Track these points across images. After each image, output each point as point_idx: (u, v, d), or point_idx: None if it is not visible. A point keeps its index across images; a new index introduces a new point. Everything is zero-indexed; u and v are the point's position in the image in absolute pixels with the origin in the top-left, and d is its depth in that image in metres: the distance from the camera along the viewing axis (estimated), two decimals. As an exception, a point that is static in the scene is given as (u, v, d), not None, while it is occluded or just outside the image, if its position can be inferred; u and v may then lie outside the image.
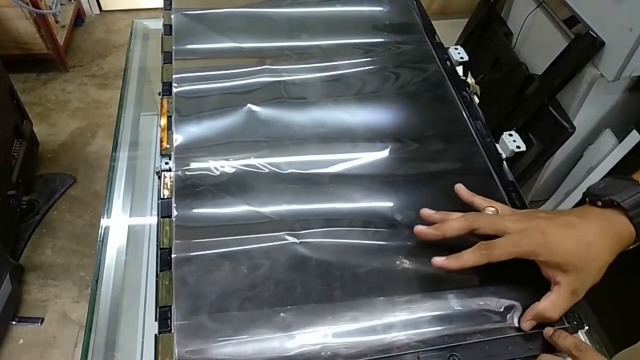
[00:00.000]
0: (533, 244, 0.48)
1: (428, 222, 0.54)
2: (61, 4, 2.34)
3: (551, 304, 0.48)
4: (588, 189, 0.51)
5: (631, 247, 0.49)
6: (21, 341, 1.49)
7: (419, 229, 0.53)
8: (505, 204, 0.61)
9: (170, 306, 0.48)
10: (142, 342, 0.69)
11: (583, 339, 0.53)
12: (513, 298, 0.52)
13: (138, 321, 0.72)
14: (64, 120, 2.12)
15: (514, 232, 0.48)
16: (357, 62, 0.77)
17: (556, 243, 0.47)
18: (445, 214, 0.54)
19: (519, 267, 0.52)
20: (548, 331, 0.49)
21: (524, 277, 0.55)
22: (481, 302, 0.51)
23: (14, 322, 1.50)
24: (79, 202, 1.84)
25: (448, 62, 0.78)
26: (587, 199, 0.51)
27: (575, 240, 0.47)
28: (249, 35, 0.79)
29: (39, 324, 1.52)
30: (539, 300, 0.50)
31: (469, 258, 0.49)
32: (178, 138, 0.63)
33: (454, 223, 0.51)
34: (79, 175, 1.92)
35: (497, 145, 0.67)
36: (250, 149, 0.63)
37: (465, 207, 0.57)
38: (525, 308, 0.51)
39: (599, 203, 0.49)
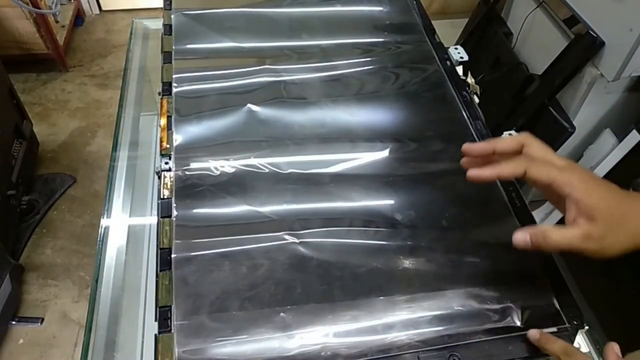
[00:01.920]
0: (575, 177, 0.45)
1: (472, 157, 0.50)
2: (61, 4, 2.34)
3: (562, 233, 0.45)
4: (636, 181, 0.49)
5: None
6: (21, 341, 1.49)
7: (472, 172, 0.48)
8: (505, 203, 0.61)
9: (170, 306, 0.48)
10: (142, 342, 0.69)
11: (583, 339, 0.53)
12: (513, 298, 0.52)
13: (138, 321, 0.72)
14: (64, 120, 2.12)
15: (562, 166, 0.47)
16: (357, 62, 0.77)
17: (596, 189, 0.46)
18: (489, 142, 0.50)
19: (519, 268, 0.52)
20: (535, 334, 0.48)
21: (524, 277, 0.55)
22: (481, 302, 0.51)
23: (14, 322, 1.50)
24: (79, 202, 1.84)
25: (448, 62, 0.78)
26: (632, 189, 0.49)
27: (615, 198, 0.46)
28: (249, 35, 0.79)
29: (39, 324, 1.52)
30: (538, 301, 0.50)
31: (507, 168, 0.47)
32: (178, 138, 0.63)
33: (509, 167, 0.47)
34: (79, 175, 1.92)
35: (497, 145, 0.67)
36: (250, 148, 0.63)
37: (466, 203, 0.57)
38: (525, 308, 0.51)
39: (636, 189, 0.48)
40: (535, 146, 0.48)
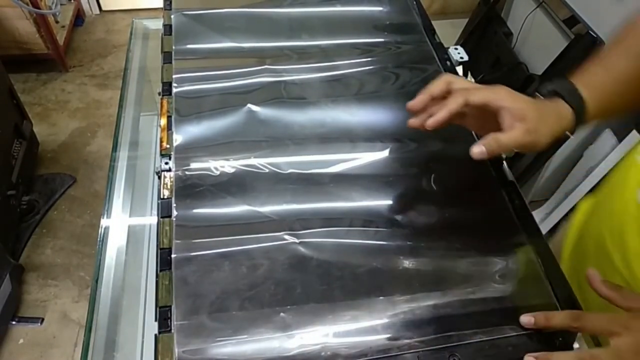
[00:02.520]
0: (502, 92, 0.55)
1: (416, 111, 0.57)
2: (61, 4, 2.34)
3: (508, 135, 0.53)
4: (527, 92, 0.58)
5: (572, 134, 0.57)
6: (21, 341, 1.49)
7: (429, 122, 0.54)
8: (505, 204, 0.61)
9: (170, 306, 0.49)
10: (142, 342, 0.69)
11: (582, 339, 0.52)
12: (513, 298, 0.52)
13: (138, 321, 0.72)
14: (64, 120, 2.12)
15: (489, 87, 0.56)
16: (357, 62, 0.77)
17: (520, 98, 0.55)
18: (424, 92, 0.56)
19: (519, 268, 0.52)
20: (528, 320, 0.49)
21: (524, 277, 0.55)
22: (481, 302, 0.51)
23: (14, 322, 1.50)
24: (79, 202, 1.84)
25: (448, 62, 0.78)
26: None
27: (532, 101, 0.56)
28: (249, 35, 0.79)
29: (39, 324, 1.52)
30: (538, 301, 0.50)
31: (452, 103, 0.54)
32: (178, 138, 0.63)
33: (453, 102, 0.54)
34: (79, 175, 1.92)
35: (497, 145, 0.67)
36: (250, 149, 0.63)
37: (466, 203, 0.57)
38: (525, 308, 0.51)
39: (542, 97, 0.59)
40: (459, 80, 0.57)
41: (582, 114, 0.57)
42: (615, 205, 0.62)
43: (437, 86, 0.56)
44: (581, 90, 0.58)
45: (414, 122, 0.57)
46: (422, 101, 0.56)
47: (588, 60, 0.62)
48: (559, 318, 0.47)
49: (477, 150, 0.53)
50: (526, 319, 0.49)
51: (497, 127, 0.54)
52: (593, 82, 0.59)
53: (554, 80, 0.60)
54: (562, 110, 0.57)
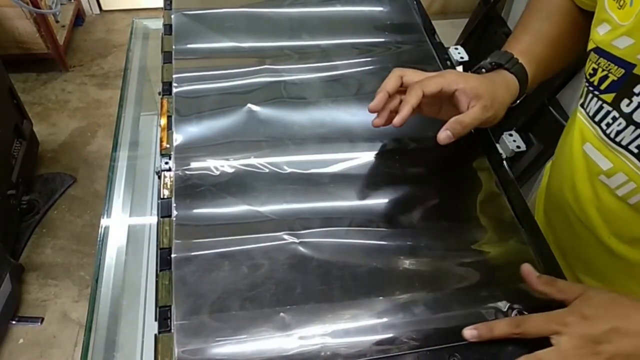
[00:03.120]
0: (453, 76, 0.58)
1: (378, 110, 0.60)
2: (61, 4, 2.34)
3: (468, 114, 0.56)
4: (472, 70, 0.63)
5: (518, 100, 0.63)
6: (21, 341, 1.49)
7: (395, 121, 0.57)
8: (505, 203, 0.61)
9: (170, 306, 0.48)
10: (142, 342, 0.69)
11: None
12: (513, 298, 0.52)
13: (138, 321, 0.72)
14: (64, 120, 2.12)
15: (440, 74, 0.60)
16: (357, 62, 0.77)
17: (470, 77, 0.59)
18: (380, 90, 0.59)
19: (519, 268, 0.52)
20: (471, 333, 0.48)
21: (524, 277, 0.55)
22: (481, 302, 0.51)
23: (14, 322, 1.50)
24: (79, 202, 1.84)
25: (448, 62, 0.78)
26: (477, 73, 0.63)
27: (482, 78, 0.60)
28: (249, 35, 0.79)
29: (39, 324, 1.52)
30: (538, 301, 0.50)
31: (411, 98, 0.57)
32: (178, 138, 0.63)
33: (412, 96, 0.57)
34: (79, 175, 1.92)
35: (497, 145, 0.67)
36: (250, 148, 0.63)
37: (466, 202, 0.57)
38: (524, 309, 0.51)
39: (484, 70, 0.63)
40: (410, 72, 0.60)
41: (525, 80, 0.62)
42: (566, 158, 0.65)
43: (390, 82, 0.59)
44: (518, 58, 0.62)
45: (378, 121, 0.60)
46: (381, 101, 0.59)
47: (514, 30, 0.68)
48: (501, 326, 0.47)
49: (444, 135, 0.56)
50: (469, 332, 0.48)
51: (455, 109, 0.58)
52: (526, 49, 0.64)
53: (493, 53, 0.65)
54: (508, 80, 0.61)
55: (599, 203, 0.59)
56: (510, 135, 0.68)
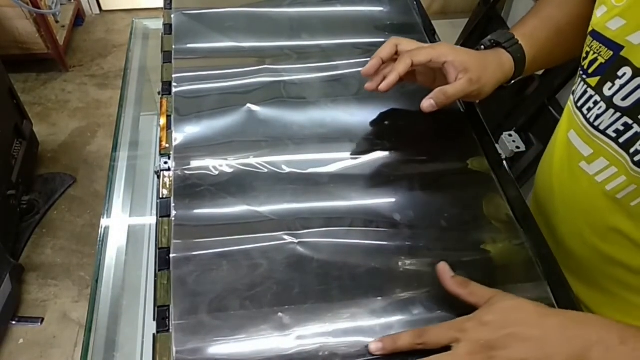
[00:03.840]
0: (444, 48, 0.60)
1: (371, 75, 0.63)
2: (61, 4, 2.34)
3: (453, 86, 0.58)
4: (477, 47, 0.65)
5: (512, 80, 0.64)
6: (21, 341, 1.49)
7: (382, 86, 0.60)
8: (505, 203, 0.61)
9: (169, 306, 0.48)
10: (142, 342, 0.69)
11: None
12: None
13: (138, 321, 0.72)
14: (64, 120, 2.12)
15: (432, 45, 0.62)
16: (357, 62, 0.77)
17: (461, 51, 0.61)
18: (374, 56, 0.62)
19: (518, 268, 0.52)
20: (377, 346, 0.47)
21: (524, 277, 0.55)
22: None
23: (14, 322, 1.50)
24: (79, 202, 1.84)
25: (448, 62, 0.78)
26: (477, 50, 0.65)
27: (474, 53, 0.62)
28: (248, 35, 0.79)
29: (39, 324, 1.52)
30: (537, 301, 0.50)
31: (399, 66, 0.59)
32: (177, 137, 0.63)
33: (401, 65, 0.60)
34: (79, 175, 1.92)
35: (497, 146, 0.67)
36: (249, 148, 0.63)
37: (465, 203, 0.57)
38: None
39: (483, 47, 0.65)
40: (405, 42, 0.62)
41: (522, 62, 0.63)
42: (552, 146, 0.67)
43: (385, 50, 0.62)
44: (520, 39, 0.63)
45: (369, 85, 0.62)
46: (374, 66, 0.61)
47: (526, 14, 0.68)
48: (404, 338, 0.46)
49: (427, 103, 0.59)
50: (374, 345, 0.47)
51: (445, 81, 0.60)
52: (530, 32, 0.64)
53: (496, 32, 0.66)
54: (503, 59, 0.62)
55: (577, 190, 0.60)
56: (510, 135, 0.68)
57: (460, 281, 0.49)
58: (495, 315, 0.44)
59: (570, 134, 0.60)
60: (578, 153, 0.58)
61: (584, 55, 0.57)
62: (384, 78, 0.61)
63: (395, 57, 0.62)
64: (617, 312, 0.63)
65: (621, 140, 0.52)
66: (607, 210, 0.56)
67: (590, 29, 0.56)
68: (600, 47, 0.53)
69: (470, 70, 0.59)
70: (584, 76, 0.56)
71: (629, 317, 0.62)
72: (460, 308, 0.50)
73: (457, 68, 0.59)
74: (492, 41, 0.64)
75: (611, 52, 0.52)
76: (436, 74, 0.63)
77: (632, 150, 0.50)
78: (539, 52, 0.64)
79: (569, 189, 0.62)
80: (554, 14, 0.65)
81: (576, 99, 0.58)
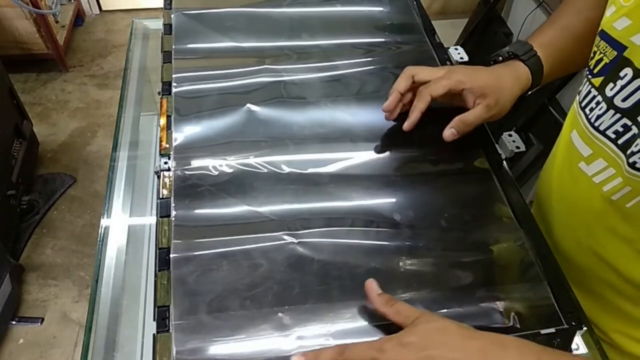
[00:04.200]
0: (460, 75, 0.61)
1: (392, 110, 0.64)
2: (61, 4, 2.34)
3: (472, 113, 0.60)
4: (491, 57, 0.65)
5: (529, 91, 0.64)
6: (21, 341, 1.49)
7: (405, 126, 0.62)
8: (505, 204, 0.61)
9: (169, 306, 0.48)
10: (142, 342, 0.69)
11: (581, 340, 0.52)
12: (512, 299, 0.52)
13: (138, 321, 0.72)
14: (64, 120, 2.12)
15: (446, 74, 0.62)
16: (357, 62, 0.77)
17: (477, 74, 0.62)
18: (392, 91, 0.64)
19: (518, 268, 0.52)
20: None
21: (523, 278, 0.55)
22: (480, 303, 0.51)
23: (14, 322, 1.50)
24: (79, 202, 1.84)
25: (448, 62, 0.78)
26: (492, 62, 0.66)
27: (490, 74, 0.62)
28: (249, 35, 0.79)
29: (39, 324, 1.52)
30: (537, 302, 0.50)
31: (419, 104, 0.61)
32: (177, 137, 0.63)
33: (420, 103, 0.62)
34: (79, 175, 1.92)
35: (497, 146, 0.67)
36: (249, 148, 0.63)
37: (465, 203, 0.57)
38: (523, 308, 0.51)
39: (501, 58, 0.65)
40: (421, 72, 0.63)
41: (539, 73, 0.63)
42: (556, 146, 0.67)
43: (401, 84, 0.63)
44: (537, 51, 0.63)
45: (390, 117, 0.65)
46: (393, 102, 0.63)
47: (543, 23, 0.68)
48: (326, 354, 0.45)
49: (449, 133, 0.61)
50: (296, 358, 0.46)
51: (463, 101, 0.62)
52: (547, 41, 0.65)
53: (514, 42, 0.66)
54: (520, 72, 0.63)
55: (575, 191, 0.60)
56: (510, 135, 0.68)
57: (386, 299, 0.47)
58: (417, 337, 0.43)
59: (573, 134, 0.60)
60: (578, 153, 0.58)
61: (591, 55, 0.57)
62: (405, 105, 0.64)
63: (413, 85, 0.63)
64: (613, 320, 0.63)
65: (620, 141, 0.52)
66: (603, 211, 0.56)
67: (599, 29, 0.56)
68: (606, 47, 0.53)
69: (488, 96, 0.60)
70: (589, 76, 0.56)
71: (625, 326, 0.62)
72: (460, 308, 0.51)
73: (475, 94, 0.60)
74: (510, 53, 0.64)
75: (615, 52, 0.51)
76: (454, 95, 0.63)
77: (628, 152, 0.50)
78: (556, 61, 0.64)
79: (567, 189, 0.62)
80: (572, 21, 0.65)
81: (581, 99, 0.59)
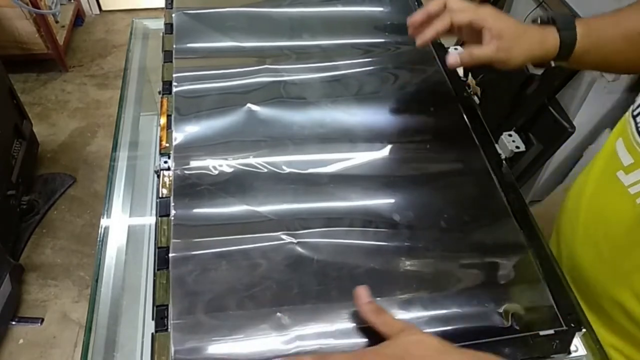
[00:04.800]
0: (486, 12, 0.60)
1: (416, 27, 0.63)
2: (61, 4, 2.34)
3: (481, 48, 0.59)
4: (533, 19, 0.64)
5: (554, 62, 0.63)
6: (21, 341, 1.49)
7: (418, 40, 0.61)
8: (504, 204, 0.61)
9: (167, 305, 0.48)
10: (142, 342, 0.69)
11: (580, 342, 0.52)
12: (511, 300, 0.52)
13: (138, 321, 0.72)
14: (64, 120, 2.12)
15: (476, 8, 0.61)
16: (357, 62, 0.77)
17: (503, 18, 0.60)
18: (422, 9, 0.62)
19: (517, 270, 0.52)
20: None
21: (523, 279, 0.55)
22: (479, 304, 0.51)
23: (14, 322, 1.50)
24: (78, 202, 1.84)
25: (448, 62, 0.78)
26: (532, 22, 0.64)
27: (517, 23, 0.61)
28: (249, 35, 0.79)
29: (39, 324, 1.52)
30: (536, 303, 0.50)
31: (438, 24, 0.60)
32: (177, 137, 0.63)
33: (439, 22, 0.60)
34: (78, 175, 1.92)
35: (497, 146, 0.67)
36: (249, 148, 0.63)
37: (465, 203, 0.57)
38: (523, 310, 0.51)
39: (540, 21, 0.63)
40: (453, 1, 0.61)
41: (569, 47, 0.61)
42: (599, 156, 0.66)
43: (433, 5, 0.62)
44: (579, 27, 0.61)
45: (411, 32, 0.64)
46: (419, 17, 0.62)
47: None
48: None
49: (452, 59, 0.61)
50: None
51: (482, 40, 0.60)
52: (593, 24, 0.62)
53: (561, 13, 0.64)
54: (548, 37, 0.61)
55: (607, 201, 0.59)
56: (510, 135, 0.68)
57: (374, 309, 0.47)
58: (396, 349, 0.43)
59: (618, 142, 0.60)
60: (619, 162, 0.58)
61: None
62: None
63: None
64: (613, 336, 0.62)
65: None
66: (633, 226, 0.55)
67: None
68: None
69: (503, 38, 0.59)
70: None
71: (626, 346, 0.61)
72: (459, 309, 0.51)
73: (492, 34, 0.59)
74: (549, 18, 0.63)
75: None
76: (473, 33, 0.62)
77: None
78: (595, 47, 0.62)
79: (600, 198, 0.60)
80: (631, 20, 0.62)
81: (634, 107, 0.58)
